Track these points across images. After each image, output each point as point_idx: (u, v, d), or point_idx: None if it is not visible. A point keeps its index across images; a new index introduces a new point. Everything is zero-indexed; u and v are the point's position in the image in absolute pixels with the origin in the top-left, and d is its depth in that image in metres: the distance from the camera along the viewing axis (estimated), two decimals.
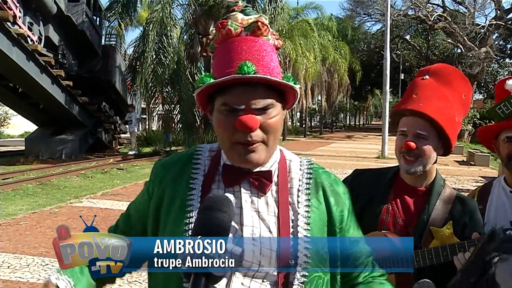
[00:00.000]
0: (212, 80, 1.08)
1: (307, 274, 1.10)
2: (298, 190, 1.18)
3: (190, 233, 1.10)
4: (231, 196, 1.13)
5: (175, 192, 1.19)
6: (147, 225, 1.22)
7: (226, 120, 1.10)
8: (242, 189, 1.15)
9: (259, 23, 1.12)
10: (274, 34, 1.17)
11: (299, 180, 1.19)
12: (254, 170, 1.15)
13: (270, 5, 16.48)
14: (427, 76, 1.78)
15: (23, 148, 17.91)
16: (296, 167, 1.22)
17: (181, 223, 1.13)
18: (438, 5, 34.43)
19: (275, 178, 1.17)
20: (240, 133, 1.08)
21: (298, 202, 1.16)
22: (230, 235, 1.08)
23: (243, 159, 1.11)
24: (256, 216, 1.13)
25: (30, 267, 5.03)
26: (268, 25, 1.14)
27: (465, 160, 17.88)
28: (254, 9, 13.69)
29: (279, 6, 16.77)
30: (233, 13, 1.14)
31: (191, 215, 1.13)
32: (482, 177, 12.72)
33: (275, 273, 1.09)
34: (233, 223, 1.09)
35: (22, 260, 5.25)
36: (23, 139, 20.23)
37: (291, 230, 1.13)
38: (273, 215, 1.13)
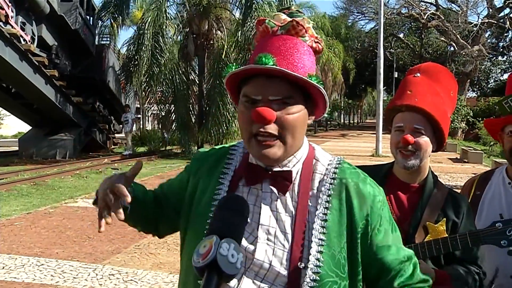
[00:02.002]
0: (233, 70, 1.11)
1: (317, 278, 1.06)
2: (320, 191, 1.14)
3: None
4: (252, 195, 1.15)
5: (207, 185, 1.21)
6: (181, 203, 1.25)
7: (245, 111, 1.11)
8: (263, 188, 1.15)
9: (294, 23, 1.12)
10: (313, 37, 1.17)
11: (323, 180, 1.16)
12: (275, 169, 1.14)
13: (271, 6, 16.44)
14: (418, 74, 1.81)
15: (17, 148, 17.82)
16: (323, 167, 1.18)
17: (207, 215, 1.14)
18: (431, 3, 34.59)
19: (297, 179, 1.15)
20: (256, 125, 1.08)
21: (317, 203, 1.13)
22: (246, 234, 1.09)
23: (259, 153, 1.10)
24: (273, 216, 1.12)
25: (25, 267, 5.02)
26: (305, 27, 1.14)
27: (458, 157, 17.97)
28: (255, 7, 13.53)
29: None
30: (278, 13, 1.17)
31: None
32: (475, 174, 12.78)
33: (286, 275, 1.07)
34: (250, 221, 1.10)
35: (17, 260, 5.23)
36: (17, 139, 20.11)
37: (306, 232, 1.10)
38: (290, 216, 1.12)
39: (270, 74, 1.08)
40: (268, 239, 1.10)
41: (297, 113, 1.10)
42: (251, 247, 1.09)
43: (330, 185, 1.15)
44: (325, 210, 1.12)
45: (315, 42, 1.17)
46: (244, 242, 1.08)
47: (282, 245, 1.09)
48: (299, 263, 1.07)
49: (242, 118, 1.12)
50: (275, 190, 1.14)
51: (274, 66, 1.05)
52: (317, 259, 1.07)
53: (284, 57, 1.09)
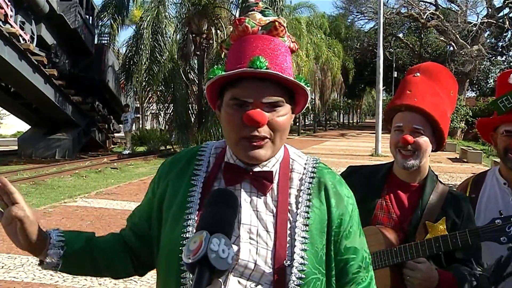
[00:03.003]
0: (223, 73, 1.09)
1: (303, 276, 1.08)
2: (300, 190, 1.16)
3: (190, 229, 1.11)
4: None
5: (178, 188, 1.19)
6: (151, 221, 1.23)
7: (234, 114, 1.09)
8: (242, 188, 1.14)
9: (277, 23, 1.12)
10: (290, 37, 1.17)
11: (302, 180, 1.18)
12: (255, 170, 1.15)
13: (271, 6, 16.46)
14: (418, 74, 1.81)
15: (16, 148, 17.84)
16: (300, 166, 1.20)
17: (180, 218, 1.14)
18: (430, 3, 34.60)
19: (276, 178, 1.16)
20: (247, 128, 1.08)
21: (298, 202, 1.15)
22: None
23: (249, 154, 1.10)
24: (254, 215, 1.12)
25: (24, 267, 5.03)
26: (285, 27, 1.15)
27: (457, 157, 17.99)
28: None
29: (279, 8, 16.76)
30: (252, 12, 1.15)
31: (190, 211, 1.14)
32: (474, 173, 12.80)
33: (271, 273, 1.08)
34: None
35: (16, 260, 5.24)
36: (16, 139, 20.13)
37: (289, 230, 1.11)
38: (271, 215, 1.13)
39: (262, 77, 1.07)
40: (250, 238, 1.10)
41: (286, 115, 1.12)
42: (235, 247, 1.07)
43: (310, 184, 1.17)
44: (307, 208, 1.13)
45: (292, 42, 1.18)
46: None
47: (265, 243, 1.10)
48: (284, 261, 1.08)
49: (230, 120, 1.11)
50: (255, 190, 1.14)
51: (269, 71, 1.06)
52: (302, 257, 1.09)
53: (272, 59, 1.09)
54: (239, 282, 1.08)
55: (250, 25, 1.12)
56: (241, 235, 1.10)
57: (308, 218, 1.13)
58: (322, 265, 1.12)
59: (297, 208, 1.14)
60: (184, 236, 1.11)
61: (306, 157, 1.24)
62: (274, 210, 1.13)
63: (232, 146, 1.14)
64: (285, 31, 1.15)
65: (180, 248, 1.04)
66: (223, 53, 1.23)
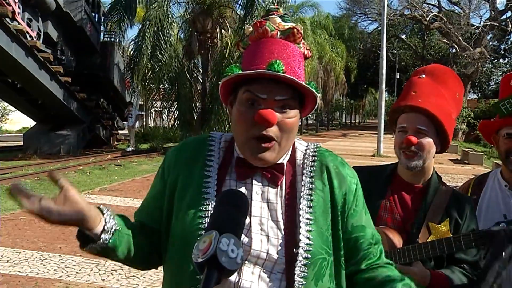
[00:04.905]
0: (240, 72, 1.12)
1: (309, 256, 1.11)
2: (302, 174, 1.19)
3: (205, 226, 1.12)
4: (242, 188, 1.16)
5: (190, 176, 1.20)
6: (162, 212, 1.22)
7: (246, 112, 1.12)
8: (254, 181, 1.17)
9: (295, 30, 1.17)
10: (305, 44, 1.21)
11: (304, 163, 1.21)
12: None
13: (273, 5, 16.48)
14: (423, 75, 1.81)
15: (21, 143, 17.89)
16: (301, 153, 1.24)
17: (197, 209, 1.15)
18: (433, 5, 34.59)
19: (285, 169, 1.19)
20: (257, 127, 1.11)
21: (301, 185, 1.18)
22: None
23: (256, 156, 1.13)
24: (265, 207, 1.15)
25: (29, 261, 5.07)
26: (302, 34, 1.19)
27: (459, 158, 18.02)
28: (256, 6, 13.50)
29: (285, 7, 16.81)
30: (273, 16, 1.19)
31: (207, 202, 1.15)
32: (475, 175, 12.85)
33: (283, 262, 1.11)
34: None
35: (21, 254, 5.28)
36: (21, 134, 20.20)
37: (296, 216, 1.14)
38: (281, 204, 1.16)
39: (277, 80, 1.11)
40: (261, 229, 1.13)
41: (295, 117, 1.15)
42: (246, 239, 1.11)
43: (311, 168, 1.20)
44: (310, 191, 1.17)
45: (307, 49, 1.21)
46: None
47: (276, 233, 1.13)
48: (294, 249, 1.11)
49: (241, 118, 1.13)
50: (266, 182, 1.17)
51: (286, 75, 1.09)
52: (307, 238, 1.12)
53: (288, 64, 1.12)
54: (252, 272, 1.11)
55: (270, 28, 1.16)
56: (252, 226, 1.13)
57: (312, 200, 1.16)
58: (328, 246, 1.15)
59: (301, 192, 1.17)
60: (202, 227, 1.12)
61: (307, 144, 1.27)
62: (283, 199, 1.16)
63: (240, 145, 1.17)
64: (302, 38, 1.19)
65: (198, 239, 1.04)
66: (240, 50, 1.26)
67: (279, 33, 1.17)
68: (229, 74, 1.14)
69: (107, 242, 1.09)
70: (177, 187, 1.20)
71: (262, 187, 1.17)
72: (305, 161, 1.22)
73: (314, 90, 1.14)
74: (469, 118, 27.43)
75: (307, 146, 1.26)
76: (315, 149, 1.25)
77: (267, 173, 1.16)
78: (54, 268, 4.90)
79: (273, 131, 1.11)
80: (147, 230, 1.23)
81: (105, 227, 1.09)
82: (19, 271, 4.76)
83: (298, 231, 1.12)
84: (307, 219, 1.14)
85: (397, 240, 1.68)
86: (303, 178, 1.19)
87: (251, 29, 1.19)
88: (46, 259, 5.17)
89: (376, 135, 19.24)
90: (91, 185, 10.20)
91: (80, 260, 5.11)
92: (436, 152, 1.76)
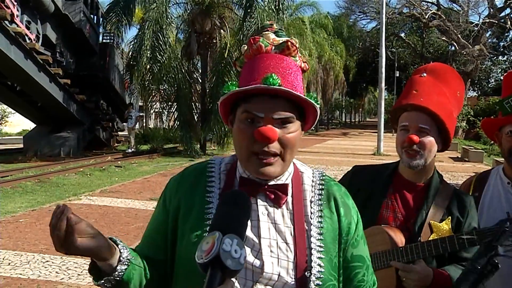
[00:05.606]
0: (236, 88, 1.13)
1: (320, 283, 1.12)
2: (311, 201, 1.20)
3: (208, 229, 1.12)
4: None
5: (192, 202, 1.21)
6: (167, 243, 1.23)
7: (246, 129, 1.12)
8: (258, 201, 1.17)
9: (289, 43, 1.17)
10: (301, 57, 1.21)
11: (312, 192, 1.22)
12: (270, 183, 1.17)
13: (273, 5, 16.49)
14: (424, 74, 1.81)
15: (21, 146, 17.92)
16: (309, 178, 1.24)
17: (200, 234, 1.14)
18: (432, 3, 34.61)
19: (289, 190, 1.20)
20: (258, 144, 1.11)
21: (311, 213, 1.19)
22: (248, 249, 1.09)
23: (259, 171, 1.13)
24: (273, 228, 1.15)
25: (30, 264, 5.07)
26: (297, 47, 1.19)
27: (459, 156, 18.07)
28: (255, 6, 13.52)
29: (282, 8, 16.82)
30: (266, 32, 1.20)
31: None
32: (476, 173, 12.87)
33: (293, 283, 1.12)
34: (251, 236, 1.13)
35: (23, 257, 5.29)
36: (21, 137, 20.23)
37: (306, 240, 1.15)
38: (289, 227, 1.16)
39: (274, 94, 1.11)
40: (271, 251, 1.13)
41: (296, 132, 1.15)
42: (258, 261, 1.11)
43: (319, 196, 1.22)
44: (319, 218, 1.18)
45: (303, 62, 1.22)
46: (249, 258, 1.10)
47: (286, 255, 1.13)
48: (305, 272, 1.12)
49: (241, 135, 1.13)
50: (271, 202, 1.17)
51: (282, 88, 1.09)
52: (319, 265, 1.14)
53: (284, 77, 1.12)
54: None
55: (264, 44, 1.16)
56: (263, 248, 1.13)
57: (322, 227, 1.17)
58: (336, 272, 1.18)
59: (311, 218, 1.18)
60: None
61: (312, 170, 1.28)
62: (291, 222, 1.17)
63: (243, 162, 1.17)
64: (297, 51, 1.19)
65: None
66: (237, 69, 1.26)
67: (273, 47, 1.17)
68: (226, 92, 1.14)
69: (122, 274, 1.09)
70: (180, 212, 1.21)
71: (267, 207, 1.17)
72: (313, 188, 1.23)
73: (313, 102, 1.14)
74: (469, 116, 27.45)
75: (313, 173, 1.27)
76: (321, 177, 1.26)
77: (270, 193, 1.17)
78: (55, 270, 4.91)
79: (274, 146, 1.12)
80: (152, 262, 1.23)
81: (121, 257, 1.10)
82: (20, 274, 4.76)
83: (310, 258, 1.14)
84: (318, 245, 1.16)
85: (399, 239, 1.68)
86: (312, 205, 1.20)
87: (246, 47, 1.20)
88: (47, 261, 5.18)
89: (376, 134, 19.26)
90: (92, 187, 10.23)
91: (82, 262, 5.12)
92: (438, 151, 1.76)
